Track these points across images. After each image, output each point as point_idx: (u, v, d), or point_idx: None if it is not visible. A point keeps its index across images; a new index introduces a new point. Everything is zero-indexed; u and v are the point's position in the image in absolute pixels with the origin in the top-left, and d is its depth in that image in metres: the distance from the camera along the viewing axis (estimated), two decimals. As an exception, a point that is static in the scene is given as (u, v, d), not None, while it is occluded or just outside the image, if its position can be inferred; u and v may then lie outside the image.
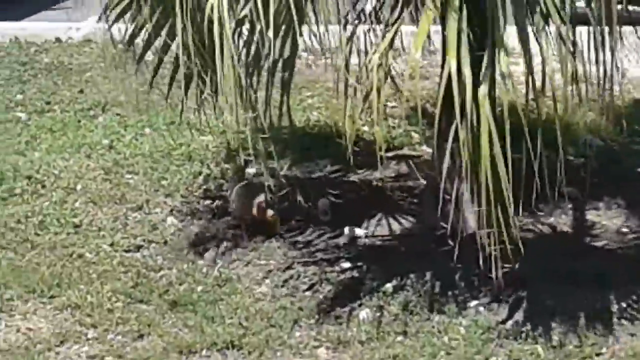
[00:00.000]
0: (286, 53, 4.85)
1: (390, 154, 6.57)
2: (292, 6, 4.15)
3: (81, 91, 7.68)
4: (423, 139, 6.87)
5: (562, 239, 5.47)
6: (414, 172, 6.21)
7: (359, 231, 5.57)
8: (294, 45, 4.88)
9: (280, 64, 4.92)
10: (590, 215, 5.70)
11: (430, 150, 6.20)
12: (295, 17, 4.26)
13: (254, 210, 5.41)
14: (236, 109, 4.92)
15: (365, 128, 7.05)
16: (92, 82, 7.88)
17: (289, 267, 5.19)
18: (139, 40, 5.41)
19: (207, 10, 4.32)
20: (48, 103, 7.44)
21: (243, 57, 4.82)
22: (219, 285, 5.04)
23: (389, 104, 7.63)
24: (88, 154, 6.52)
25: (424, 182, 5.95)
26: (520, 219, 5.50)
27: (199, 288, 5.02)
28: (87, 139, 6.76)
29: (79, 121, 7.10)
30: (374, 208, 5.80)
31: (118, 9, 5.31)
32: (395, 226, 5.61)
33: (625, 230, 5.52)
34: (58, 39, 8.68)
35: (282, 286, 5.03)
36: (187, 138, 6.64)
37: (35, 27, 8.90)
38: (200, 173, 6.27)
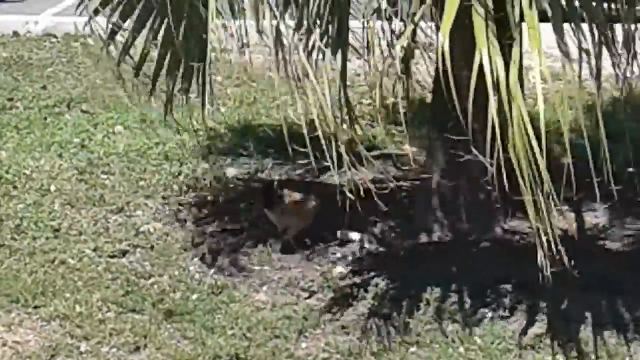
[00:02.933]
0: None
1: (374, 153, 6.34)
2: None
3: (44, 87, 7.36)
4: (406, 138, 6.64)
5: (564, 242, 5.28)
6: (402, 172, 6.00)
7: (353, 235, 5.34)
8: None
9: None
10: (588, 217, 5.53)
11: (414, 149, 6.01)
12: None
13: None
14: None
15: (344, 126, 6.84)
16: (55, 77, 7.56)
17: (286, 273, 4.95)
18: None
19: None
20: (10, 99, 7.12)
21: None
22: (214, 293, 4.77)
23: (364, 101, 7.45)
24: (59, 153, 6.21)
25: (411, 182, 5.74)
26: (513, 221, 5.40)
27: (194, 296, 4.75)
28: (56, 137, 6.44)
29: (45, 118, 6.78)
30: (363, 210, 5.57)
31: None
32: (389, 229, 5.40)
33: (627, 232, 5.36)
34: (16, 33, 8.33)
35: (282, 293, 4.78)
36: (161, 137, 6.37)
37: (-9, 21, 8.55)
38: (179, 173, 5.99)
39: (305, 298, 4.73)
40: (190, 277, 4.90)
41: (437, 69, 4.59)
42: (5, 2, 9.17)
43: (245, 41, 4.77)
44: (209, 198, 5.74)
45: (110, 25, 4.92)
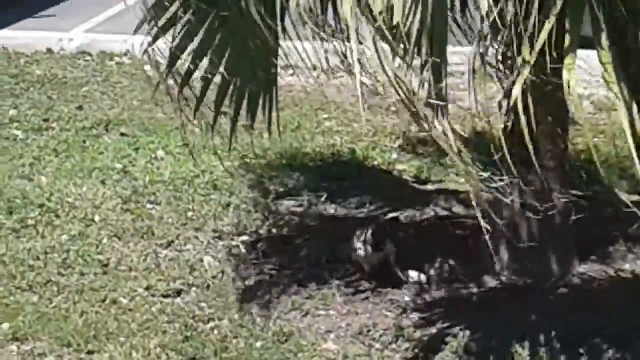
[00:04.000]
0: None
1: (430, 187, 5.99)
2: None
3: (80, 107, 7.04)
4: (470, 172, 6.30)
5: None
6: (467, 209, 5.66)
7: (418, 276, 5.01)
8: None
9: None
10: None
11: (475, 182, 5.67)
12: None
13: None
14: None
15: (395, 156, 6.53)
16: (91, 97, 7.25)
17: (353, 319, 4.62)
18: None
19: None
20: (45, 120, 6.80)
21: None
22: (279, 340, 4.44)
23: (412, 129, 7.12)
24: (101, 179, 5.89)
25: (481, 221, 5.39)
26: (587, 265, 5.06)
27: (258, 344, 4.42)
28: (97, 162, 6.12)
29: (84, 141, 6.47)
30: (430, 251, 5.24)
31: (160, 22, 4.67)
32: (455, 272, 5.06)
33: None
34: (49, 50, 8.01)
35: (352, 342, 4.45)
36: (207, 163, 6.03)
37: (25, 36, 8.22)
38: (229, 204, 5.66)
39: (379, 349, 4.40)
40: (252, 322, 4.57)
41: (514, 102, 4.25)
42: (35, 17, 8.85)
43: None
44: (262, 232, 5.41)
45: (172, 50, 4.58)
